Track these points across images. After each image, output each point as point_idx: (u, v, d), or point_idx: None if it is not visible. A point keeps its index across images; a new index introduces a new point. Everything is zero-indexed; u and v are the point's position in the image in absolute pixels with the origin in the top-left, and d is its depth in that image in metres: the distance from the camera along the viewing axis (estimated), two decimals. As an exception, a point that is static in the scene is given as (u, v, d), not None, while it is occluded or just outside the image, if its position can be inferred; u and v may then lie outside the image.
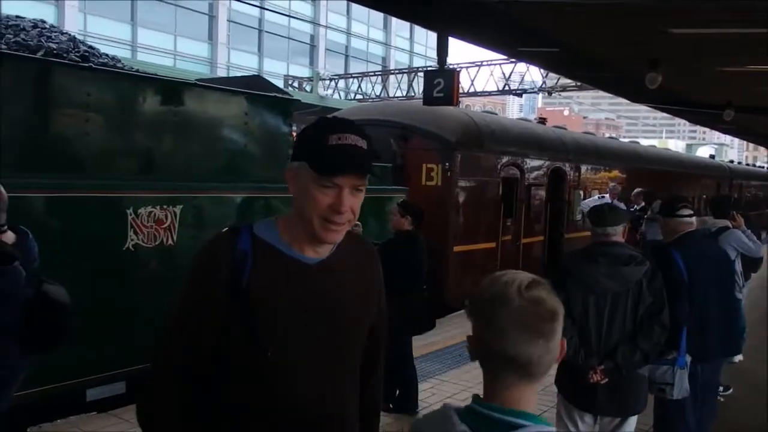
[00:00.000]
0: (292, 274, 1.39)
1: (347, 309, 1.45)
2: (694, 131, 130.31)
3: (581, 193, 11.08)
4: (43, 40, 5.12)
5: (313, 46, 31.81)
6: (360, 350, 1.51)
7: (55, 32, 5.48)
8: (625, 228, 3.11)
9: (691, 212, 3.63)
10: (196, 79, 6.96)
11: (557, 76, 19.73)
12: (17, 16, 5.48)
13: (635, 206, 9.41)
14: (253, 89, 6.07)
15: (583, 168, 11.36)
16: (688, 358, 3.39)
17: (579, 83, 18.02)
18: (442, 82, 7.88)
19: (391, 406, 4.67)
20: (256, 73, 17.28)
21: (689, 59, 8.14)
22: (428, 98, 7.92)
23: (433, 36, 37.78)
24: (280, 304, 1.37)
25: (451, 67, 8.73)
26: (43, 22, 5.60)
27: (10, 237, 2.29)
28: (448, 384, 5.33)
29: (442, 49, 8.17)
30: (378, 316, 1.59)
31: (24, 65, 4.54)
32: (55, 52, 4.99)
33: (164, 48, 24.27)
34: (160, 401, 1.39)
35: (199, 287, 1.39)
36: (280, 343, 1.35)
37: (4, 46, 4.79)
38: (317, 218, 1.34)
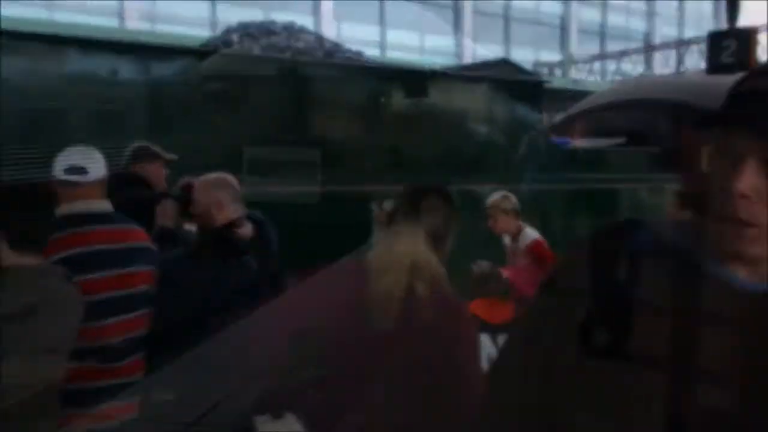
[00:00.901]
0: (708, 297, 0.87)
1: None
2: None
3: None
4: (291, 41, 5.28)
5: (563, 29, 30.11)
6: None
7: (303, 33, 5.66)
8: None
9: None
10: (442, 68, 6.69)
11: None
12: (271, 21, 5.80)
13: None
14: (500, 73, 5.58)
15: None
16: None
17: None
18: (732, 45, 6.37)
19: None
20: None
21: None
22: (715, 65, 6.47)
23: (708, 2, 33.06)
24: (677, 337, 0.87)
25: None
26: (292, 24, 5.81)
27: (248, 230, 2.37)
28: None
29: (733, 6, 6.68)
30: None
31: (275, 66, 4.67)
32: (301, 51, 5.11)
33: (411, 45, 25.27)
34: None
35: (563, 290, 0.96)
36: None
37: (257, 49, 5.03)
38: (717, 211, 0.87)
